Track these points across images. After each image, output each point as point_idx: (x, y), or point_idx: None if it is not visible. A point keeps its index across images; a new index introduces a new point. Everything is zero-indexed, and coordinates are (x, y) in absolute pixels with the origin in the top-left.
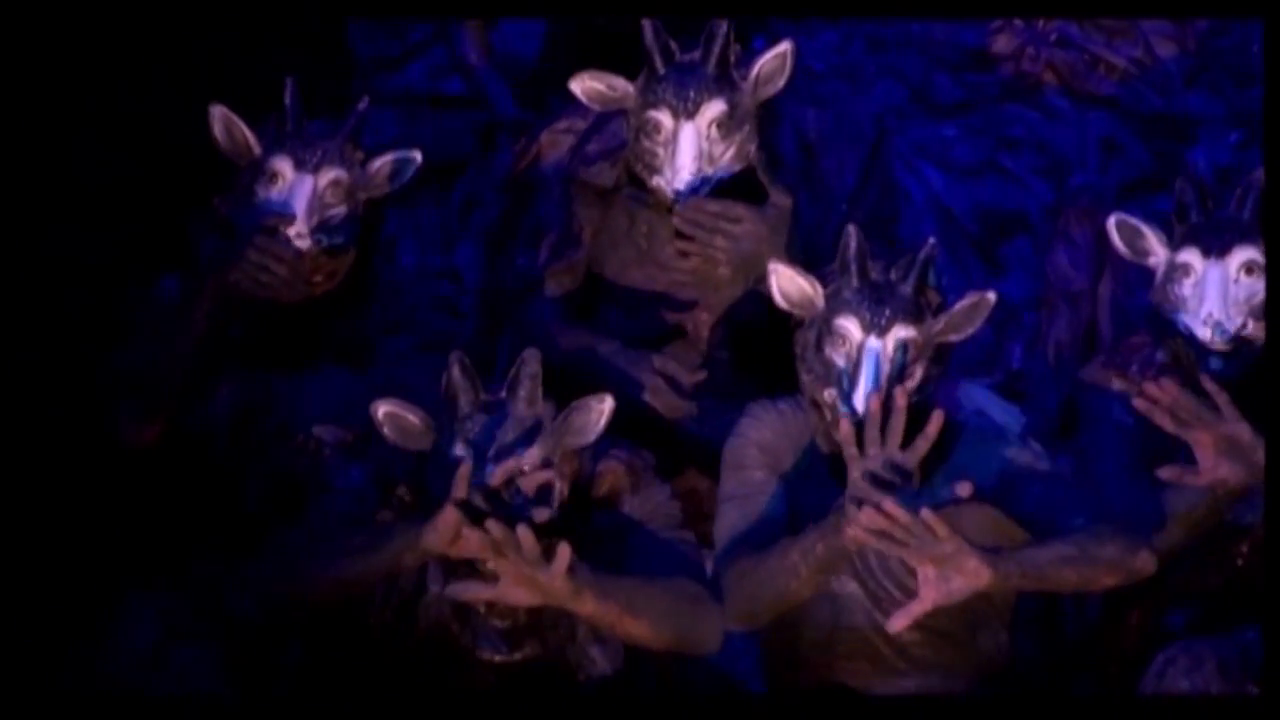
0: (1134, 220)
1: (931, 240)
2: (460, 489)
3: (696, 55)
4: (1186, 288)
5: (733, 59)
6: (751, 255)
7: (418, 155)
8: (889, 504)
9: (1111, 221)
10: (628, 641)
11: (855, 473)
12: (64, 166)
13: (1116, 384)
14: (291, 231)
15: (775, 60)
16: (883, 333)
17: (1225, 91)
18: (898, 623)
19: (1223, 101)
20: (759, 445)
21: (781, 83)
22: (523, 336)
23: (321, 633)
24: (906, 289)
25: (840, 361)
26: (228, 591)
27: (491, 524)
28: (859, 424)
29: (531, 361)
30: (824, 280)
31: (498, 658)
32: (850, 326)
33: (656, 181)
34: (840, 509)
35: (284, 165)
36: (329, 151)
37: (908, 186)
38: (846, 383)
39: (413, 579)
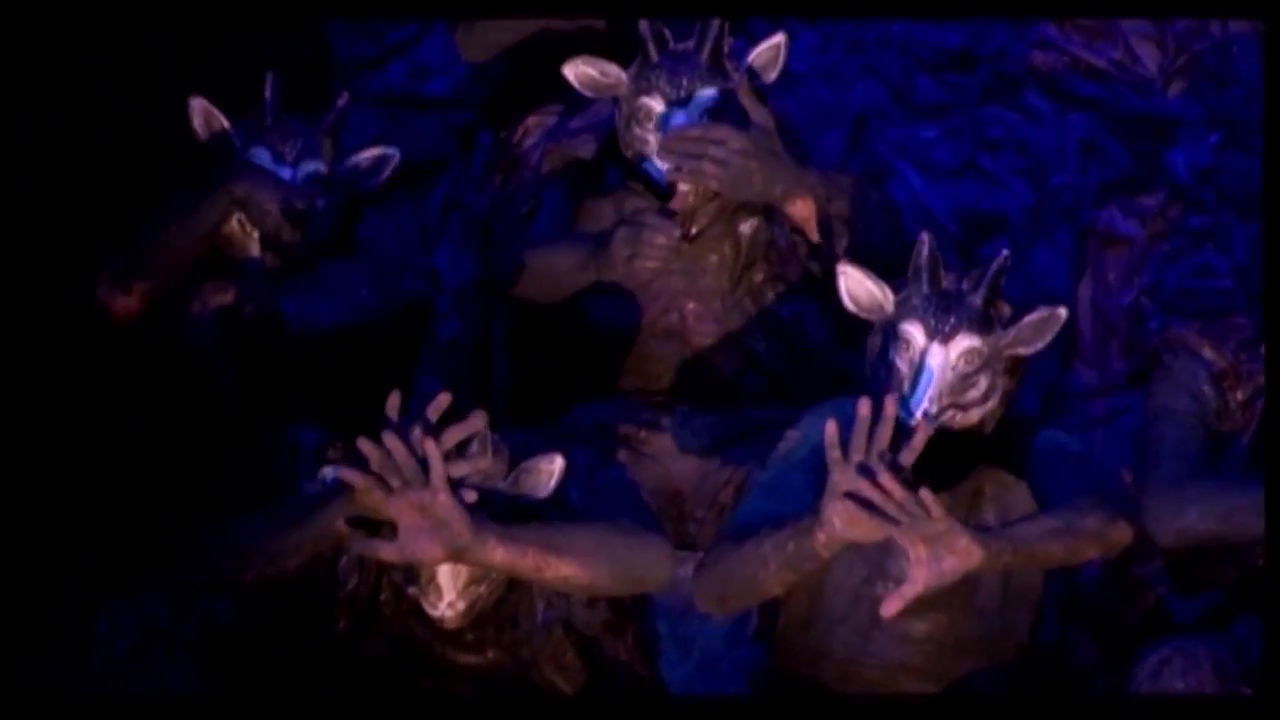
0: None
1: (1005, 252)
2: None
3: (690, 44)
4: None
5: (726, 49)
6: (741, 171)
7: (396, 153)
8: (885, 477)
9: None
10: (566, 588)
11: (838, 472)
12: (35, 171)
13: (1207, 351)
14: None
15: (769, 51)
16: (946, 340)
17: (1205, 93)
18: (890, 607)
19: (1202, 103)
20: (810, 445)
21: (774, 74)
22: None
23: (295, 635)
24: (976, 299)
25: (903, 367)
26: (179, 564)
27: (388, 437)
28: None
29: (478, 420)
30: (895, 288)
31: (465, 659)
32: (915, 332)
33: (647, 168)
34: (816, 510)
35: (263, 157)
36: (308, 145)
37: (888, 187)
38: (907, 388)
39: (368, 587)
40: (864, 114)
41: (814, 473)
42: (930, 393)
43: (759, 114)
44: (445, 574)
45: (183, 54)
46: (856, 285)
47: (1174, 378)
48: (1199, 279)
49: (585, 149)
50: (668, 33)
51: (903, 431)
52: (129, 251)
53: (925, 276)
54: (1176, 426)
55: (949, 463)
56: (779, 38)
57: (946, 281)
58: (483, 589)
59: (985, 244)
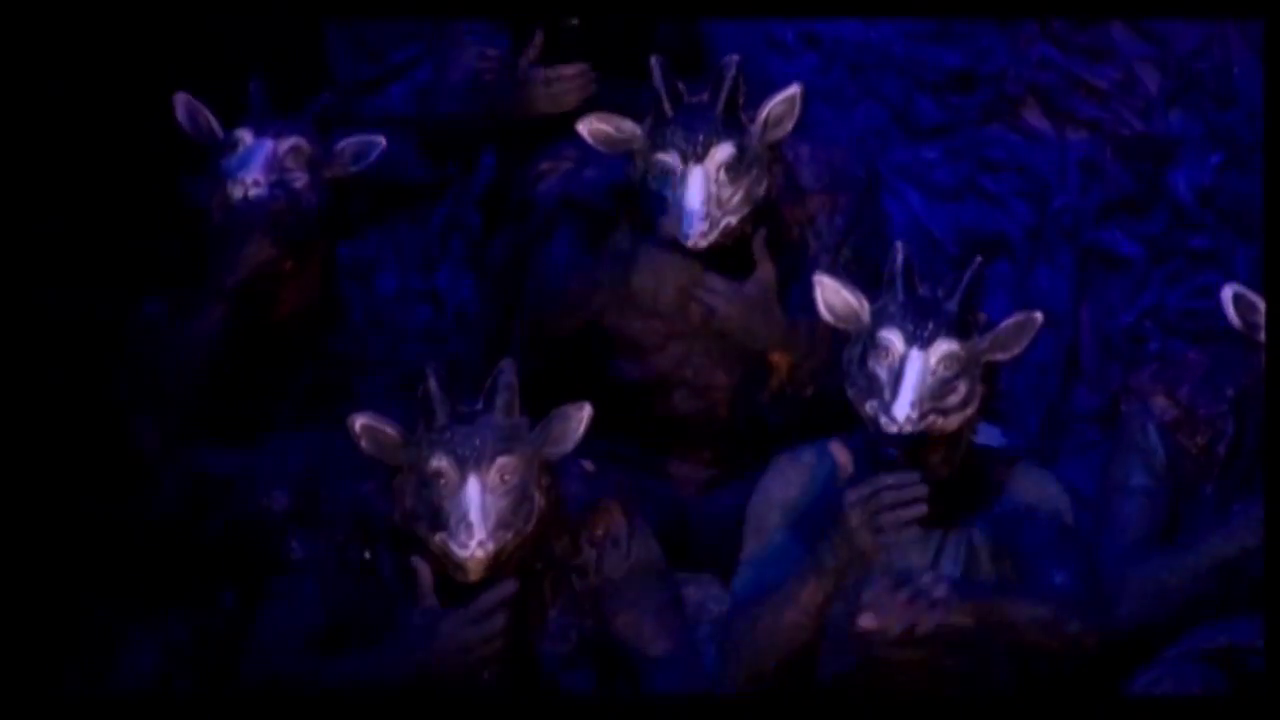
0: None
1: (979, 258)
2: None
3: (705, 97)
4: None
5: (741, 100)
6: (724, 320)
7: (382, 139)
8: (887, 478)
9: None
10: None
11: (853, 493)
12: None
13: (1159, 400)
14: (248, 179)
15: (784, 104)
16: (925, 345)
17: (1206, 113)
18: (865, 622)
19: (1203, 123)
20: (782, 505)
21: (790, 125)
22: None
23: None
24: (952, 305)
25: (883, 374)
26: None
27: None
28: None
29: (508, 372)
30: (871, 297)
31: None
32: (893, 339)
33: (664, 224)
34: (830, 542)
35: (245, 134)
36: (289, 123)
37: (889, 209)
38: (888, 394)
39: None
40: (864, 135)
41: (792, 526)
42: (912, 398)
43: (764, 268)
44: (475, 510)
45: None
46: (833, 295)
47: (1126, 440)
48: (1200, 300)
49: (604, 202)
50: (681, 86)
51: (887, 439)
52: (162, 401)
53: (900, 284)
54: (1129, 505)
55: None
56: (794, 89)
57: (922, 289)
58: (509, 535)
59: (986, 265)
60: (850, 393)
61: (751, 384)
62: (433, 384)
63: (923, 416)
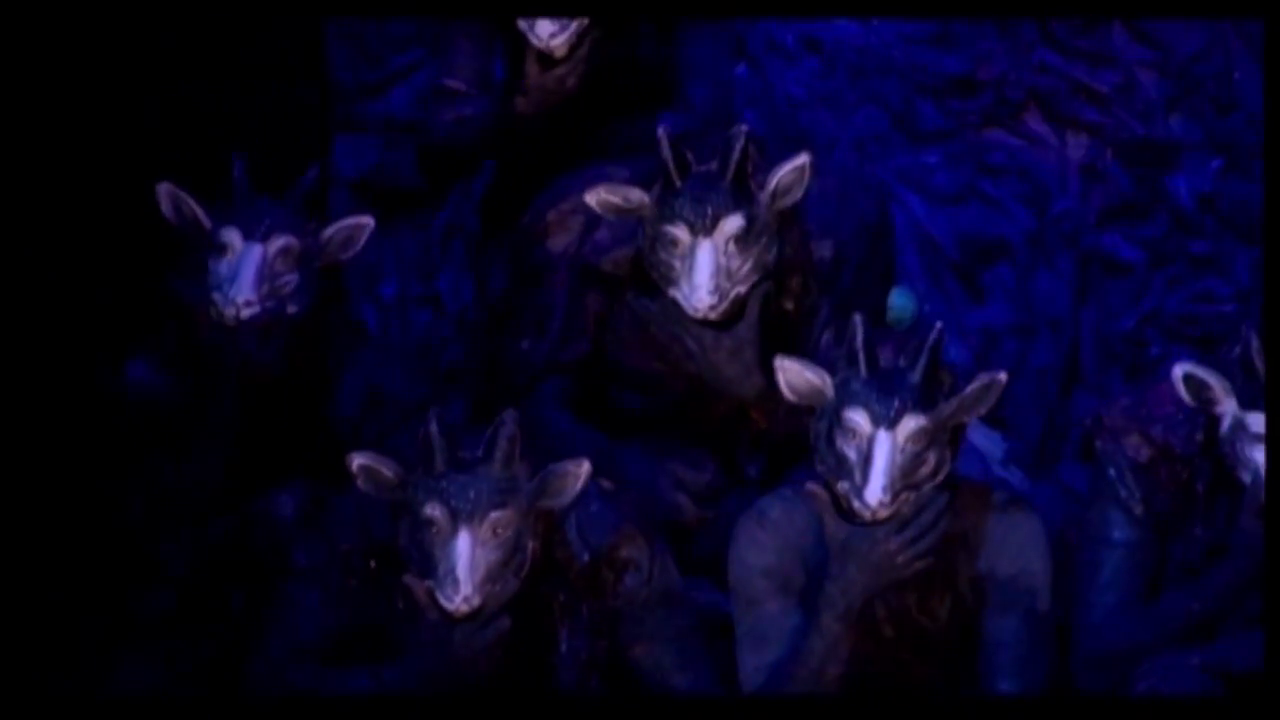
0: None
1: (939, 324)
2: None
3: (714, 166)
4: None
5: (750, 168)
6: (711, 380)
7: (370, 221)
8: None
9: None
10: None
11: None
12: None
13: (1133, 439)
14: (240, 300)
15: (793, 173)
16: (893, 425)
17: (1206, 118)
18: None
19: (1203, 128)
20: (764, 573)
21: (800, 194)
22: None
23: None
24: (915, 376)
25: (852, 455)
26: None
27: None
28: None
29: (509, 423)
30: (832, 369)
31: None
32: (860, 420)
33: (673, 294)
34: (838, 586)
35: (233, 236)
36: (276, 220)
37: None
38: (859, 477)
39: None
40: (865, 139)
41: (780, 592)
42: (883, 482)
43: (749, 320)
44: (464, 565)
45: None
46: (795, 377)
47: (1103, 486)
48: (1200, 304)
49: (620, 268)
50: (690, 156)
51: (861, 523)
52: (185, 505)
53: (862, 360)
54: (1111, 559)
55: None
56: (803, 159)
57: (884, 359)
58: (496, 588)
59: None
60: (820, 469)
61: (731, 437)
62: (434, 428)
63: (895, 497)
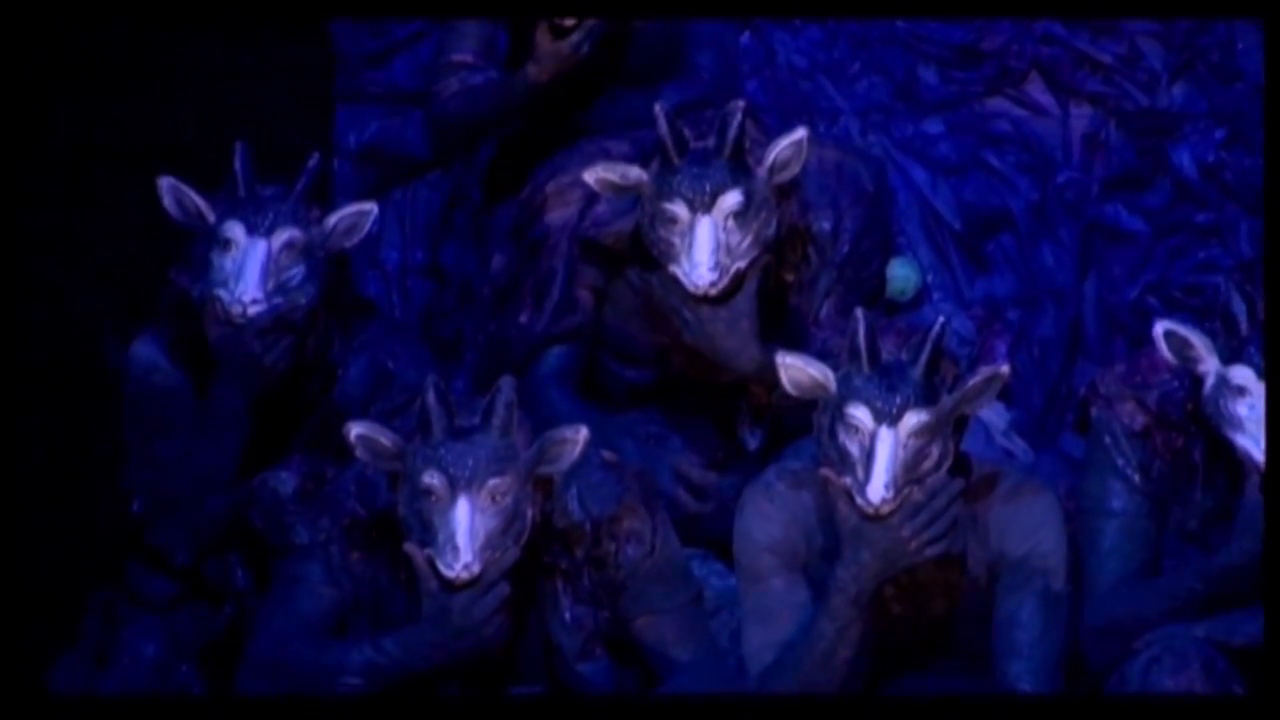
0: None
1: (942, 319)
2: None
3: (711, 143)
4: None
5: (747, 143)
6: (708, 353)
7: (374, 207)
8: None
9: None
10: None
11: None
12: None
13: (1128, 406)
14: (246, 299)
15: (791, 148)
16: (895, 421)
17: (1210, 88)
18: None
19: (1207, 98)
20: (770, 548)
21: (798, 168)
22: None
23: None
24: (917, 371)
25: (854, 450)
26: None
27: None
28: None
29: (507, 390)
30: (834, 363)
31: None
32: (862, 416)
33: (674, 271)
34: (848, 569)
35: (237, 231)
36: (280, 214)
37: (892, 185)
38: (862, 473)
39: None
40: (868, 109)
41: (785, 568)
42: (886, 479)
43: (747, 294)
44: (464, 533)
45: (186, 49)
46: (797, 373)
47: (1099, 456)
48: (1204, 275)
49: (619, 242)
50: (688, 133)
51: (865, 518)
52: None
53: (864, 355)
54: (1110, 528)
55: None
56: (800, 134)
57: (886, 350)
58: (496, 555)
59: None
60: (823, 462)
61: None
62: (431, 397)
63: (898, 493)
